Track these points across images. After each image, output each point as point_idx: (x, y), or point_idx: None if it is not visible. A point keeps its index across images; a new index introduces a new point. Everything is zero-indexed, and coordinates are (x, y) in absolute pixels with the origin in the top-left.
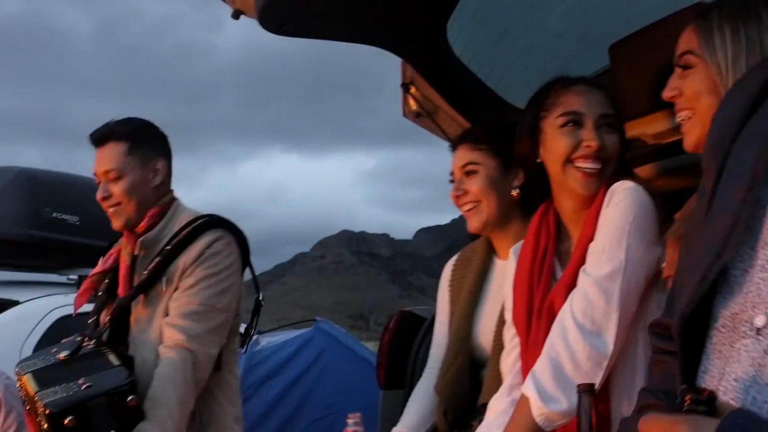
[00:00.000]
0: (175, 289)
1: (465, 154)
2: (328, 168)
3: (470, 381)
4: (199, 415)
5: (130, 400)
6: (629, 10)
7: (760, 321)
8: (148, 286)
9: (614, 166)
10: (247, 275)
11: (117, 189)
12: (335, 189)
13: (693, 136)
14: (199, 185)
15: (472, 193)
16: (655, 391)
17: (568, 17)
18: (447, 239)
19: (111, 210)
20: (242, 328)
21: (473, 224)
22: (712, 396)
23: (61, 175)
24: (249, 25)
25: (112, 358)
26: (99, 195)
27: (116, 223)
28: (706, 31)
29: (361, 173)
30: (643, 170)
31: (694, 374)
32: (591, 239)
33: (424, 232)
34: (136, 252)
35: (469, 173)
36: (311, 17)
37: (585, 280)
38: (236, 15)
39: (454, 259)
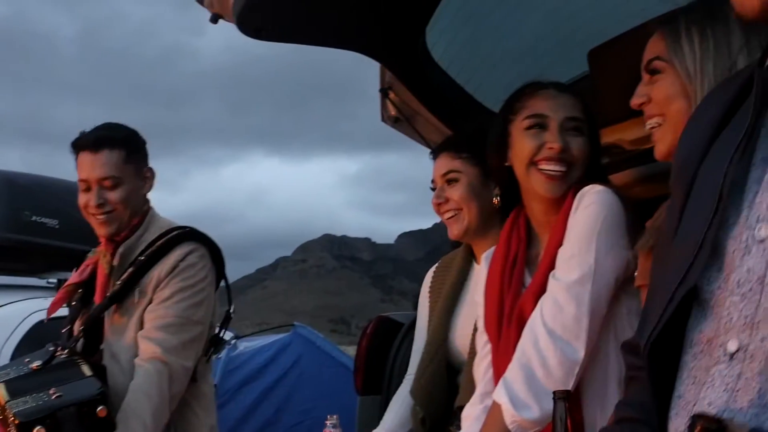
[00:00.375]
0: (150, 302)
1: (446, 162)
2: (310, 172)
3: (446, 385)
4: (174, 427)
5: (100, 410)
6: (609, 16)
7: (732, 346)
8: (121, 297)
9: (581, 169)
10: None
11: (114, 197)
12: (317, 193)
13: (665, 144)
14: (181, 189)
15: (453, 201)
16: (632, 404)
17: (547, 22)
18: (429, 244)
19: (102, 217)
20: (227, 335)
21: (454, 232)
22: (722, 425)
23: (40, 178)
24: (231, 28)
25: (85, 369)
26: (94, 201)
27: (106, 230)
28: (674, 36)
29: (343, 177)
30: (622, 176)
31: (667, 398)
32: (560, 245)
33: (406, 237)
34: (115, 262)
35: (450, 181)
36: (289, 22)
37: (555, 286)
38: (215, 19)
39: (435, 266)
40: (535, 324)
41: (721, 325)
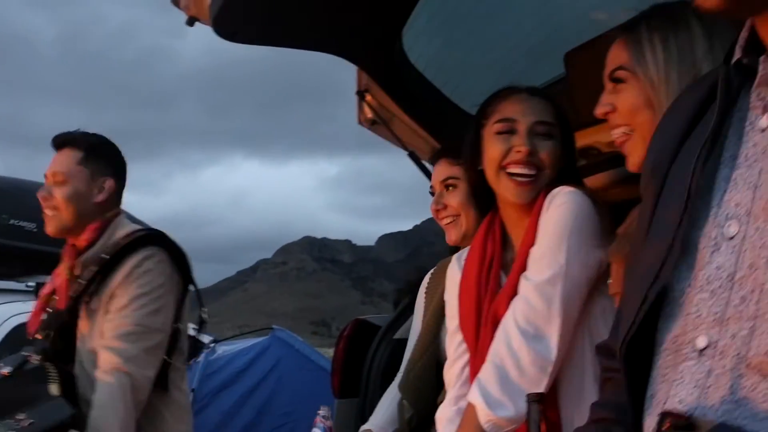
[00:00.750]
0: (107, 310)
1: (445, 169)
2: (290, 174)
3: (434, 380)
4: None
5: None
6: (586, 18)
7: (701, 342)
8: (83, 301)
9: (551, 174)
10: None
11: (59, 193)
12: (297, 195)
13: (637, 155)
14: (161, 191)
15: (452, 207)
16: (607, 405)
17: (524, 25)
18: (409, 245)
19: (47, 212)
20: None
21: (452, 237)
22: (691, 421)
23: (18, 182)
24: (211, 31)
25: (53, 388)
26: (40, 193)
27: (49, 227)
28: (636, 45)
29: (323, 179)
30: (599, 178)
31: (642, 399)
32: (532, 246)
33: (386, 239)
34: (77, 272)
35: (448, 187)
36: (265, 24)
37: (526, 286)
38: (191, 22)
39: (432, 270)
40: (507, 324)
41: (689, 322)
